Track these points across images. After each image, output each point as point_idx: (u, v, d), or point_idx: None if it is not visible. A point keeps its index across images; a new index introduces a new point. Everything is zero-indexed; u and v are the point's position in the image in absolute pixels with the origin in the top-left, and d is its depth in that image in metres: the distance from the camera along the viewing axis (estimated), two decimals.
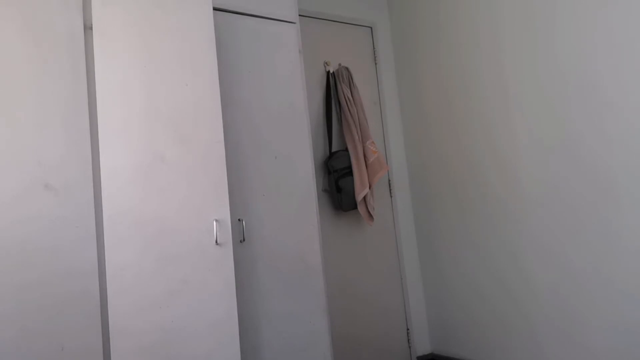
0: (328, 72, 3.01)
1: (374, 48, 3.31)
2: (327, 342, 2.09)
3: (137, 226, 1.85)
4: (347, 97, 2.93)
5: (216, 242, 1.75)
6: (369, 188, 2.85)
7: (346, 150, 2.89)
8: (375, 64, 3.30)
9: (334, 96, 3.00)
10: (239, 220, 1.90)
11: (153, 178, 1.81)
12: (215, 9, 2.01)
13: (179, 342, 1.73)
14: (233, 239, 1.88)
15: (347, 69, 3.04)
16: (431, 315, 3.17)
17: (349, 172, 2.84)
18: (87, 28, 2.11)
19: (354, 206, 2.84)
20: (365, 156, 2.88)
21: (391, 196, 3.21)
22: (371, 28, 3.33)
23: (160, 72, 1.78)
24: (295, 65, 2.23)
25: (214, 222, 1.74)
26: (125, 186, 1.93)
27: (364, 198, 2.85)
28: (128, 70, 1.91)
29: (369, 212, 2.86)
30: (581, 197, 2.29)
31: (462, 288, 2.93)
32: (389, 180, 3.21)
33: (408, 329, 3.10)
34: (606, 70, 2.19)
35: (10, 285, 1.84)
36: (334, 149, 2.91)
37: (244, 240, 1.90)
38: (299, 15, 2.32)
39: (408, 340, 3.09)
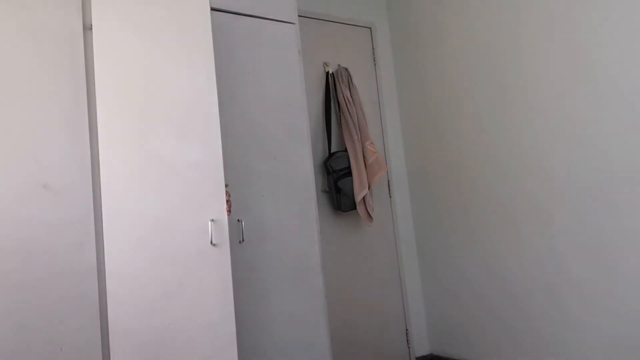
0: (327, 73, 3.01)
1: (373, 48, 3.31)
2: (326, 343, 2.09)
3: (135, 226, 1.85)
4: (347, 97, 2.94)
5: (211, 242, 1.72)
6: (368, 189, 2.85)
7: (345, 150, 2.90)
8: (375, 64, 3.30)
9: (333, 97, 3.00)
10: (238, 220, 1.90)
11: (151, 177, 1.80)
12: (214, 9, 2.01)
13: (177, 344, 1.71)
14: (232, 239, 1.88)
15: (346, 69, 3.04)
16: (430, 316, 3.17)
17: (348, 172, 2.84)
18: (87, 28, 2.11)
19: (353, 207, 2.85)
20: (364, 157, 2.88)
21: (390, 197, 3.21)
22: (370, 29, 3.33)
23: (158, 71, 1.76)
24: (294, 66, 2.23)
25: (210, 222, 1.73)
26: (124, 186, 1.93)
27: (363, 199, 2.85)
28: (127, 70, 1.91)
29: (368, 212, 2.86)
30: (581, 200, 2.30)
31: (461, 289, 2.93)
32: (388, 181, 3.21)
33: (407, 330, 3.10)
34: (606, 70, 2.19)
35: (9, 286, 1.83)
36: (333, 150, 2.92)
37: (243, 240, 1.90)
38: (299, 15, 2.32)
39: (407, 340, 3.09)
